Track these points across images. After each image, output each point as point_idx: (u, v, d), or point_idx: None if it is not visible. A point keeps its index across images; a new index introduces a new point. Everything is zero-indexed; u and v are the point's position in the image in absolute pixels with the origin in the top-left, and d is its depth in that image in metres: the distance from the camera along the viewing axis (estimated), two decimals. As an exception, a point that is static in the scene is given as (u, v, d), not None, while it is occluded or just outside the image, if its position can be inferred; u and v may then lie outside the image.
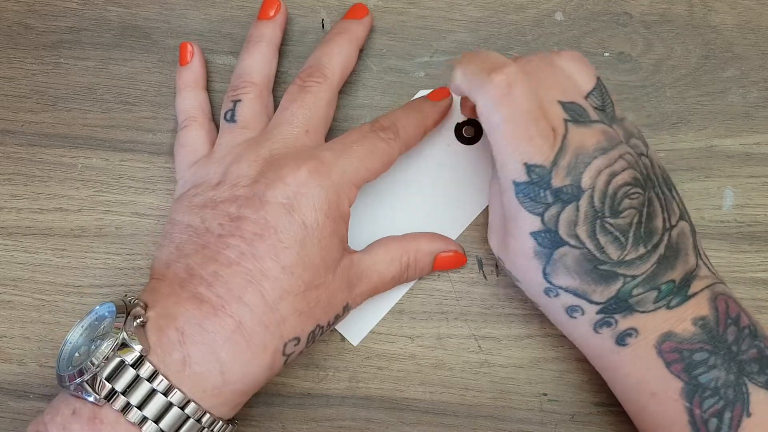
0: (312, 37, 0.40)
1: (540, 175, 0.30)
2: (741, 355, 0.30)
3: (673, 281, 0.31)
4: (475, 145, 0.38)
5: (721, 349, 0.30)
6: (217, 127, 0.37)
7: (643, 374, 0.31)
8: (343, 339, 0.37)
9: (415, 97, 0.39)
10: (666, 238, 0.31)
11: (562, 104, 0.30)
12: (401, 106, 0.36)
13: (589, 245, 0.30)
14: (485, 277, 0.38)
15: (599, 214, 0.30)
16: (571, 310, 0.31)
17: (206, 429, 0.30)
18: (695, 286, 0.31)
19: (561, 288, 0.31)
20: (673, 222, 0.31)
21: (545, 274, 0.31)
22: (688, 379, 0.30)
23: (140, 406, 0.28)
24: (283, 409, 0.37)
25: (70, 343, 0.31)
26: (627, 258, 0.30)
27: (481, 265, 0.38)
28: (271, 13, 0.37)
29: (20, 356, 0.37)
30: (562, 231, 0.30)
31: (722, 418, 0.29)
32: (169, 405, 0.28)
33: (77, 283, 0.38)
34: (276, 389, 0.37)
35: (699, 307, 0.31)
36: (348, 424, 0.37)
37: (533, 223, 0.30)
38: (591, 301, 0.31)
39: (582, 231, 0.30)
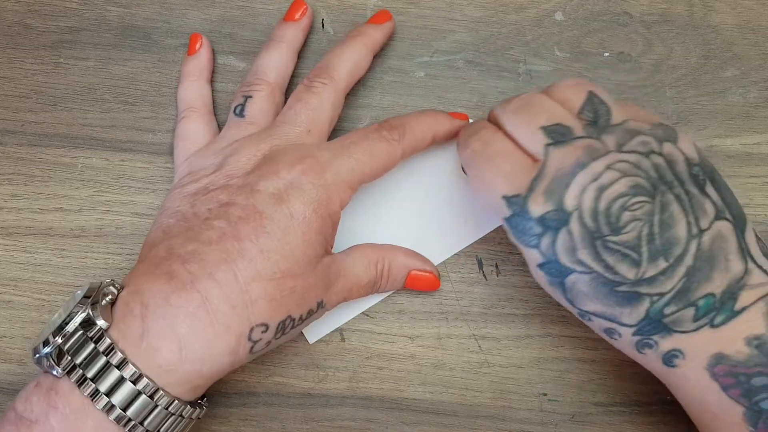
0: (312, 37, 0.40)
1: (519, 204, 0.29)
2: None
3: (713, 295, 0.27)
4: None
5: None
6: (219, 123, 0.38)
7: (701, 395, 0.29)
8: (342, 339, 0.37)
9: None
10: (694, 246, 0.28)
11: (544, 129, 0.30)
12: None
13: (597, 268, 0.28)
14: (485, 277, 0.38)
15: (596, 234, 0.28)
16: (609, 333, 0.30)
17: (159, 407, 0.29)
18: (744, 298, 0.27)
19: (590, 313, 0.30)
20: (704, 225, 0.28)
21: (570, 302, 0.30)
22: (749, 404, 0.27)
23: (95, 379, 0.28)
24: (283, 409, 0.37)
25: (51, 322, 0.31)
26: (647, 275, 0.28)
27: (481, 265, 0.38)
28: (297, 16, 0.38)
29: (20, 356, 0.37)
30: (564, 259, 0.29)
31: None
32: (122, 379, 0.28)
33: (77, 283, 0.38)
34: (276, 389, 0.37)
35: (752, 323, 0.27)
36: (348, 424, 0.37)
37: (534, 256, 0.30)
38: (623, 324, 0.29)
39: (584, 255, 0.28)
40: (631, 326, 0.29)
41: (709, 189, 0.29)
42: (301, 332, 0.37)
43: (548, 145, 0.29)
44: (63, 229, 0.38)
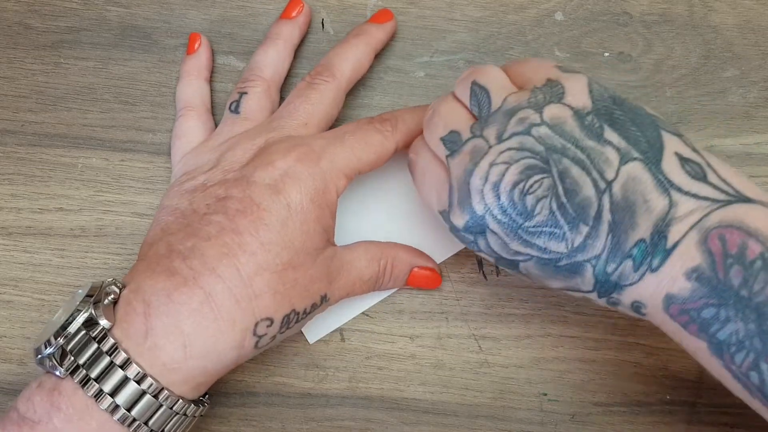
0: (312, 37, 0.40)
1: (447, 218, 0.30)
2: (756, 297, 0.25)
3: (643, 240, 0.27)
4: None
5: (728, 298, 0.26)
6: (216, 123, 0.37)
7: (675, 337, 0.28)
8: (342, 339, 0.37)
9: None
10: (606, 200, 0.27)
11: (443, 140, 0.30)
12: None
13: (534, 252, 0.29)
14: (485, 277, 0.38)
15: (515, 226, 0.28)
16: (584, 300, 0.30)
17: (164, 406, 0.29)
18: (674, 233, 0.27)
19: (559, 289, 0.30)
20: (610, 176, 0.27)
21: (542, 284, 0.31)
22: (708, 338, 0.26)
23: (99, 380, 0.28)
24: (283, 409, 0.37)
25: (52, 322, 0.31)
26: (576, 244, 0.28)
27: (481, 265, 0.38)
28: (294, 14, 0.38)
29: (20, 356, 0.37)
30: (504, 253, 0.29)
31: (761, 370, 0.25)
32: (126, 378, 0.28)
33: (77, 283, 0.38)
34: (276, 389, 0.37)
35: (687, 257, 0.26)
36: (348, 424, 0.37)
37: (485, 256, 0.31)
38: (584, 291, 0.29)
39: (516, 246, 0.29)
40: (591, 291, 0.29)
41: (609, 134, 0.28)
42: (301, 332, 0.37)
43: (447, 156, 0.30)
44: (63, 229, 0.38)
